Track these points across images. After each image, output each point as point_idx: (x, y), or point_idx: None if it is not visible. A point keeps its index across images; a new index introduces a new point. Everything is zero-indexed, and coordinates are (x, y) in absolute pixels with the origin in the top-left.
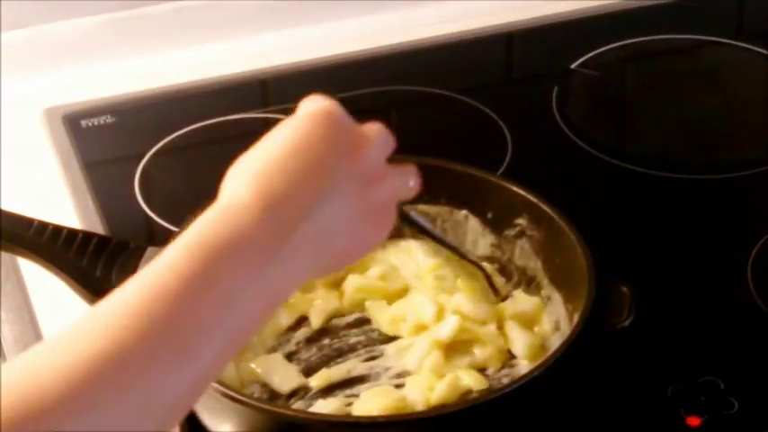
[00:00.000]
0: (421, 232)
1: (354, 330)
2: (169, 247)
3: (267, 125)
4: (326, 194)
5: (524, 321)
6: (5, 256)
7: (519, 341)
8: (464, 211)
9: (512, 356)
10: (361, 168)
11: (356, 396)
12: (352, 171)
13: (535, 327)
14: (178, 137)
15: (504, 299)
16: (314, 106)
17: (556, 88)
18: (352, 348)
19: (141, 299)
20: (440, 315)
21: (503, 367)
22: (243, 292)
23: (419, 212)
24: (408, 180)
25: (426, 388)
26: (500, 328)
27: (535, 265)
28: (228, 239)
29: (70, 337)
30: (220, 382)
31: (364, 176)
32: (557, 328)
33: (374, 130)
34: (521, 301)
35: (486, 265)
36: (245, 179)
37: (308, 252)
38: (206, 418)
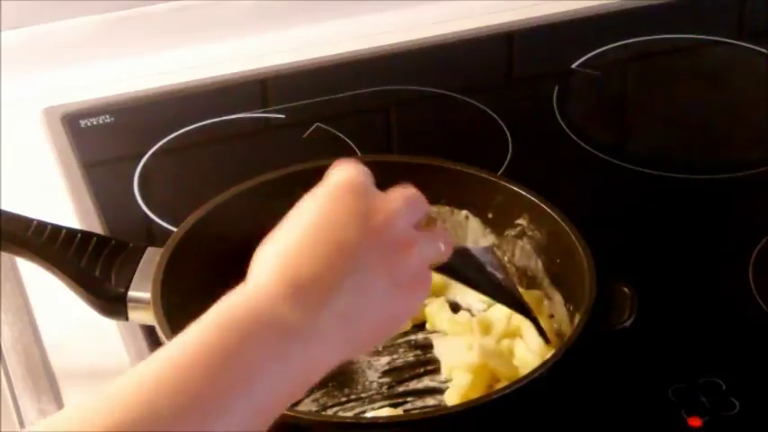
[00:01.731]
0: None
1: None
2: (193, 324)
3: (267, 125)
4: (352, 270)
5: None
6: (5, 256)
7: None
8: (465, 212)
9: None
10: (386, 239)
11: None
12: (377, 243)
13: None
14: (178, 137)
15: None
16: (340, 176)
17: (556, 88)
18: None
19: (157, 374)
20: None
21: None
22: (265, 366)
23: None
24: (439, 244)
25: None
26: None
27: (536, 265)
28: (252, 316)
29: (91, 411)
30: None
31: (390, 247)
32: (557, 329)
33: (401, 197)
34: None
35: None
36: (270, 263)
37: (338, 330)
38: None
